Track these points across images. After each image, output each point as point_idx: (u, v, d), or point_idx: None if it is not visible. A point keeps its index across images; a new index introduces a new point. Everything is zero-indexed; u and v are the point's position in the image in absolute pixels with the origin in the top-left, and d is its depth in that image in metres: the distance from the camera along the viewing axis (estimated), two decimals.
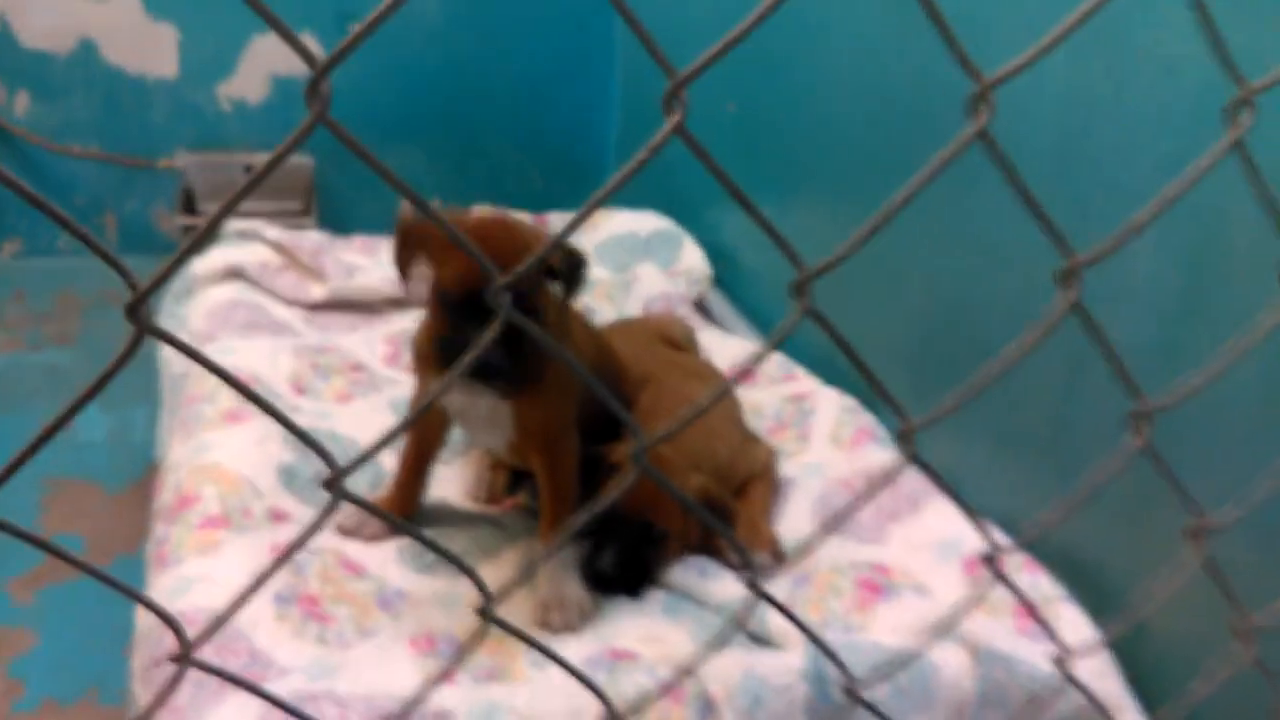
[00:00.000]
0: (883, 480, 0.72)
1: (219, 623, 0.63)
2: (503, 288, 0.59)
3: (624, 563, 1.69)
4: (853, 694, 0.77)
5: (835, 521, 0.84)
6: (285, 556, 0.56)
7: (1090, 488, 0.82)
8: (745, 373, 0.62)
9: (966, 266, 2.00)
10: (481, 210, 1.78)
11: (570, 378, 1.66)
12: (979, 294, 1.97)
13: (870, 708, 0.79)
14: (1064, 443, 1.80)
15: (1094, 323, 0.72)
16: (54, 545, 0.56)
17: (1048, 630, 0.85)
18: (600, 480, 1.71)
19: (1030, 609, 0.82)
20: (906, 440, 0.67)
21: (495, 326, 0.60)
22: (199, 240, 0.60)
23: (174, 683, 0.59)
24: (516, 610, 1.62)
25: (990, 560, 0.75)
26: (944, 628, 0.79)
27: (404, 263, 1.61)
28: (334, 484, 0.59)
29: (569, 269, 1.60)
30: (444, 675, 0.68)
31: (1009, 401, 1.82)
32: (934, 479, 0.74)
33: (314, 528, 0.58)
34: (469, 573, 0.65)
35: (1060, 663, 0.87)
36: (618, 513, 1.68)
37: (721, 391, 0.67)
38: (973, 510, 0.75)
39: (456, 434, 1.92)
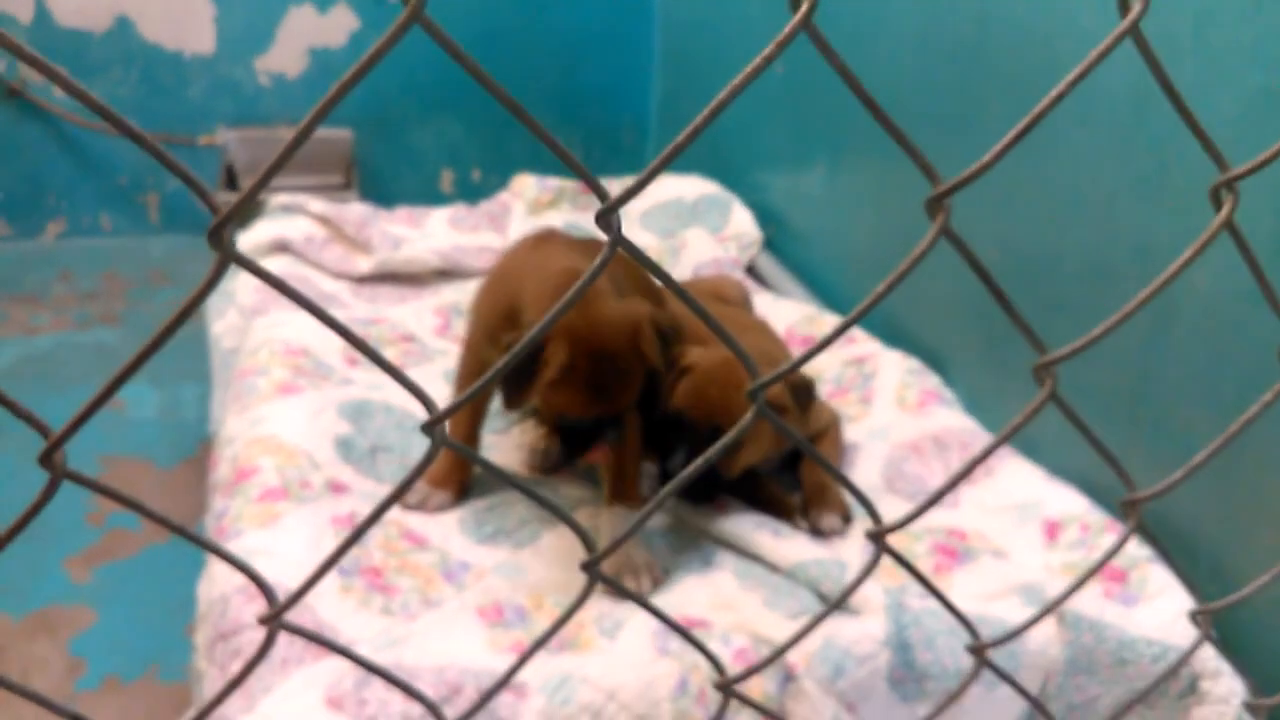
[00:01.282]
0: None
1: (307, 585, 0.58)
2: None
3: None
4: (980, 655, 0.72)
5: (936, 497, 0.77)
6: (391, 500, 0.52)
7: (1228, 438, 0.76)
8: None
9: (1039, 219, 1.92)
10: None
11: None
12: (1052, 247, 1.89)
13: (994, 669, 0.74)
14: (1147, 399, 1.72)
15: (1245, 243, 0.65)
16: (167, 517, 0.51)
17: (1187, 582, 0.78)
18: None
19: (1174, 564, 0.76)
20: (1133, 510, 0.61)
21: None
22: (276, 165, 0.54)
23: (267, 643, 0.54)
24: (579, 580, 1.57)
25: (1133, 505, 0.69)
26: (1084, 579, 0.72)
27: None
28: (434, 427, 0.54)
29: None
30: (545, 639, 0.63)
31: (1087, 356, 1.74)
32: (1160, 549, 0.68)
33: (418, 471, 0.53)
34: (574, 526, 0.60)
35: (1196, 616, 0.81)
36: (689, 418, 1.67)
37: (848, 322, 0.61)
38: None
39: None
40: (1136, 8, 0.54)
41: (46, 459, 0.49)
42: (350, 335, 0.51)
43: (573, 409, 1.54)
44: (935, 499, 0.66)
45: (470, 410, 1.76)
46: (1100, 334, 0.61)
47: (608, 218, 0.51)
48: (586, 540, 0.62)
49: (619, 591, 0.64)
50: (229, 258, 0.48)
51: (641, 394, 1.59)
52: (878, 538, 0.64)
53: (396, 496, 0.53)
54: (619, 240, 0.51)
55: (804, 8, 0.49)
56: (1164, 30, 1.64)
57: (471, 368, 1.77)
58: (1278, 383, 0.73)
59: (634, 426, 1.69)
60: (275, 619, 0.55)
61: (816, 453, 0.65)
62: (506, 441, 1.98)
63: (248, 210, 3.21)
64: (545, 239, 1.82)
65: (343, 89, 0.47)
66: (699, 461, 0.63)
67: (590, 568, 0.61)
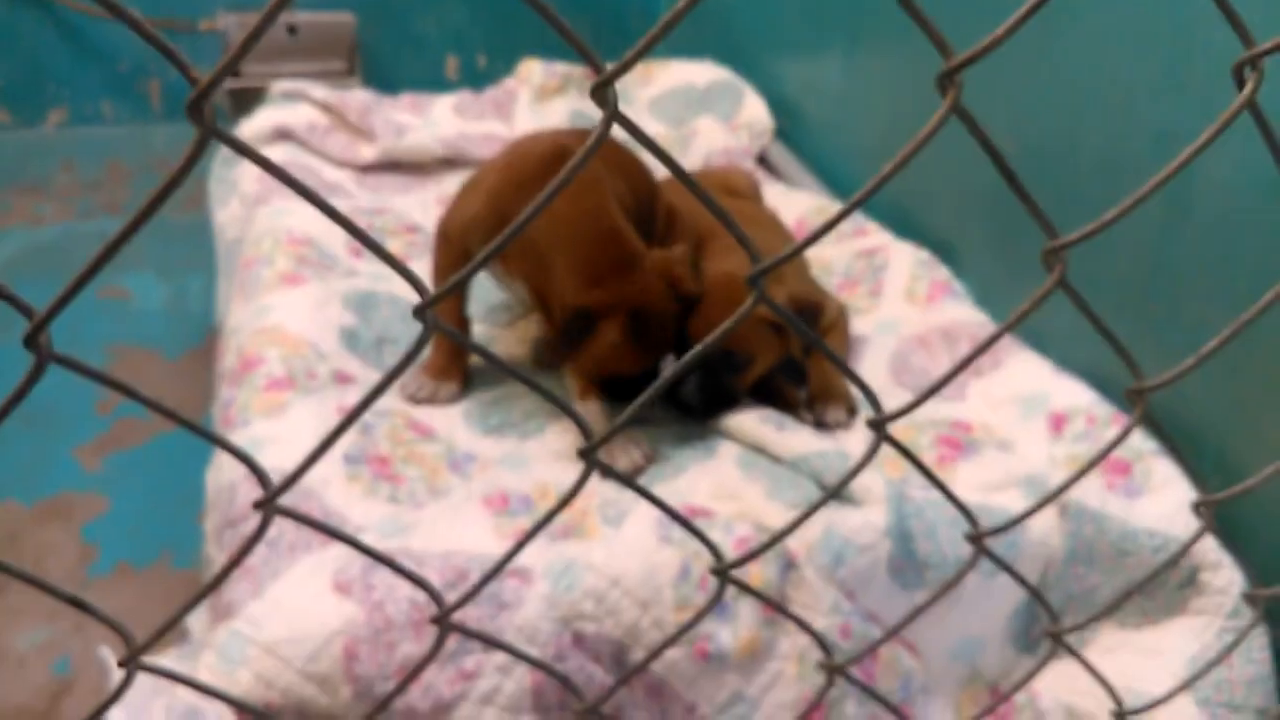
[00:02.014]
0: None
1: (302, 469, 0.58)
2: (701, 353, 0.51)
3: (705, 391, 1.68)
4: (978, 543, 0.72)
5: (938, 386, 0.76)
6: (386, 383, 0.51)
7: (1239, 327, 0.74)
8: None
9: (1055, 107, 1.87)
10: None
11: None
12: (1065, 138, 1.84)
13: (992, 557, 0.74)
14: (1159, 290, 1.69)
15: (1268, 124, 0.63)
16: (166, 407, 0.50)
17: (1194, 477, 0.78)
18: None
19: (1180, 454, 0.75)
20: (1139, 399, 0.60)
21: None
22: (254, 34, 0.52)
23: (261, 528, 0.54)
24: (574, 468, 1.58)
25: (1140, 394, 0.67)
26: (1088, 468, 0.72)
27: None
28: (425, 311, 0.52)
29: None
30: (548, 519, 0.63)
31: (1097, 246, 1.71)
32: (1165, 442, 0.67)
33: (410, 355, 0.52)
34: (572, 414, 0.59)
35: (1199, 508, 0.81)
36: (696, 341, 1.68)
37: (843, 212, 0.59)
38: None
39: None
40: None
41: (31, 340, 0.48)
42: (341, 217, 0.49)
43: (625, 369, 1.59)
44: (937, 387, 0.65)
45: (455, 297, 1.76)
46: (1114, 218, 0.59)
47: (603, 92, 0.49)
48: (584, 428, 0.61)
49: (616, 477, 0.63)
50: (209, 132, 0.46)
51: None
52: (878, 426, 0.63)
53: (391, 379, 0.52)
54: (615, 116, 0.49)
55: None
56: None
57: (449, 256, 1.75)
58: None
59: None
60: (269, 503, 0.55)
61: (820, 341, 0.64)
62: (510, 335, 1.97)
63: (249, 97, 3.16)
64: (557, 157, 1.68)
65: None
66: (697, 352, 0.62)
67: (587, 454, 0.61)
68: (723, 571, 0.66)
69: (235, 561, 0.55)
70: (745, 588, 0.72)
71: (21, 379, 0.49)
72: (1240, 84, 0.59)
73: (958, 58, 0.52)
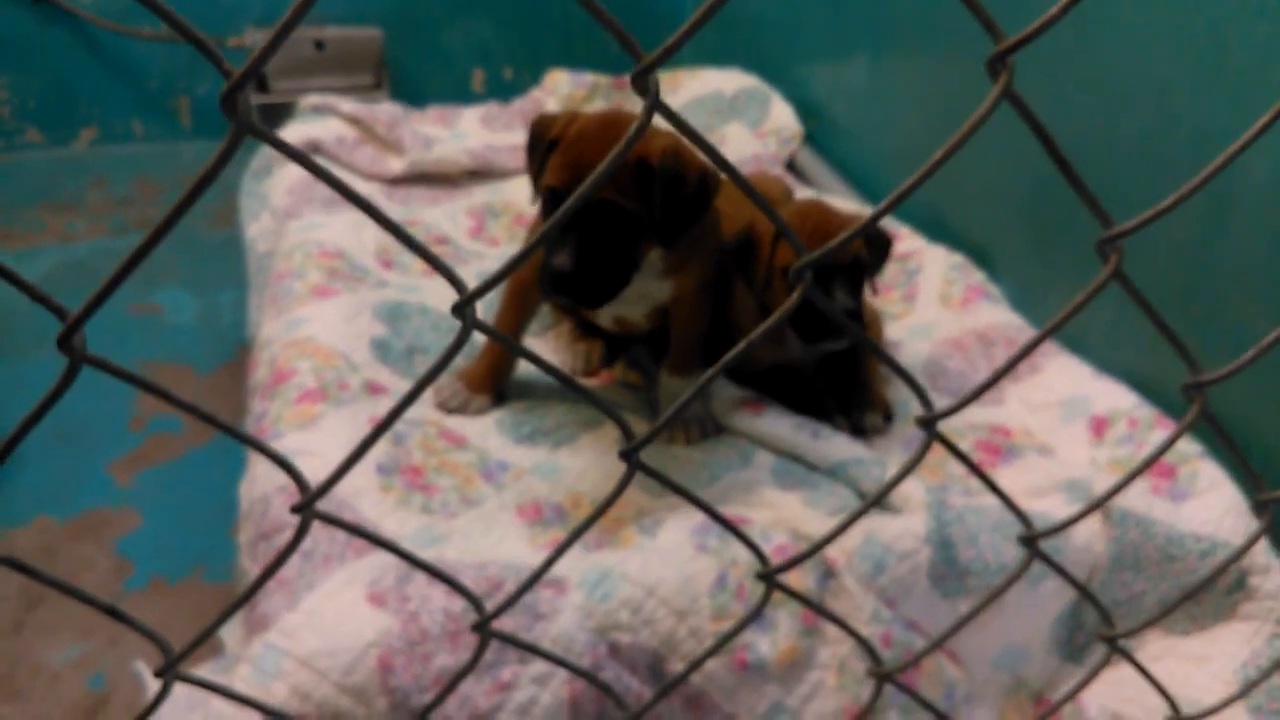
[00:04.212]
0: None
1: (340, 472, 0.57)
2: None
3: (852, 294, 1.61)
4: (1033, 545, 0.69)
5: (987, 385, 0.74)
6: (421, 386, 0.49)
7: None
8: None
9: (1092, 105, 1.84)
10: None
11: (716, 240, 1.67)
12: (1105, 134, 1.81)
13: (1045, 559, 0.71)
14: (1201, 292, 1.66)
15: None
16: (203, 411, 0.49)
17: (1253, 475, 0.75)
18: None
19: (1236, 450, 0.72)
20: (1199, 394, 0.58)
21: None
22: (280, 33, 0.51)
23: (300, 532, 0.53)
24: (615, 478, 1.57)
25: (1199, 388, 0.65)
26: (1141, 468, 0.70)
27: (535, 169, 1.52)
28: (463, 309, 0.51)
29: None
30: (586, 526, 0.61)
31: (1138, 248, 1.69)
32: (1223, 437, 0.65)
33: (450, 353, 0.51)
34: (614, 415, 0.58)
35: (1260, 507, 0.78)
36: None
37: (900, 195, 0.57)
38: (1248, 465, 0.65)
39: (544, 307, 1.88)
40: None
41: (65, 342, 0.47)
42: (379, 214, 0.48)
43: (556, 178, 1.47)
44: (986, 386, 0.63)
45: (513, 315, 1.74)
46: (1169, 206, 0.57)
47: (643, 80, 0.47)
48: (625, 429, 0.60)
49: (658, 479, 0.62)
50: (244, 127, 0.45)
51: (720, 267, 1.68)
52: (929, 424, 0.61)
53: (424, 384, 0.51)
54: (656, 104, 0.48)
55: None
56: None
57: (516, 281, 1.73)
58: None
59: (705, 308, 1.71)
60: (308, 507, 0.54)
61: (866, 337, 0.62)
62: (542, 346, 1.96)
63: (279, 112, 3.18)
64: None
65: None
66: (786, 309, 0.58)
67: (630, 455, 0.59)
68: (769, 576, 0.64)
69: (273, 569, 0.54)
70: (792, 593, 0.70)
71: (56, 381, 0.48)
72: None
73: (1008, 40, 0.50)
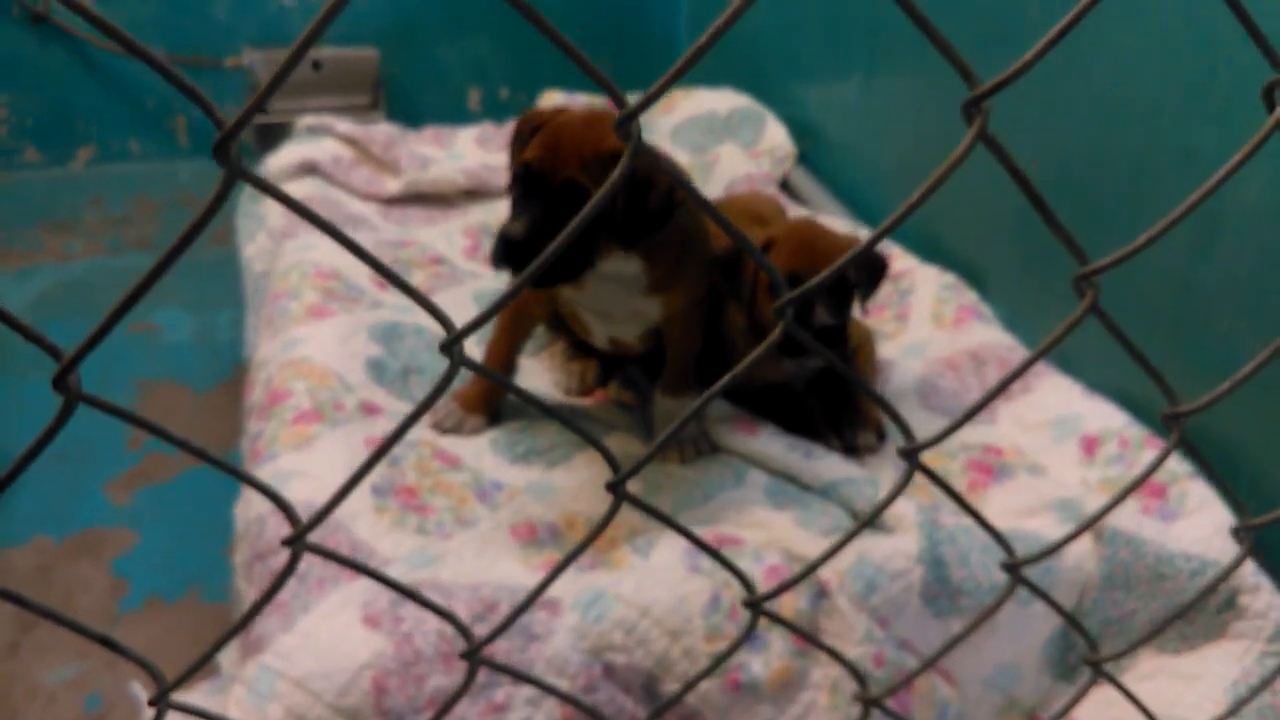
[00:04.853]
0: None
1: (330, 506, 0.58)
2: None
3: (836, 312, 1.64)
4: (1015, 572, 0.70)
5: (970, 414, 0.75)
6: (412, 420, 0.51)
7: (1274, 351, 0.73)
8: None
9: (1082, 125, 1.86)
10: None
11: (704, 258, 1.67)
12: (1095, 154, 1.83)
13: (1030, 585, 0.72)
14: (1191, 313, 1.68)
15: None
16: (200, 448, 0.50)
17: (1232, 498, 0.76)
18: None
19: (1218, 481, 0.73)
20: (1175, 424, 0.59)
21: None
22: (279, 77, 0.52)
23: (291, 565, 0.54)
24: (601, 498, 1.58)
25: (1176, 419, 0.66)
26: (1124, 494, 0.71)
27: (514, 155, 1.54)
28: (451, 347, 0.52)
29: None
30: (576, 553, 0.62)
31: (1128, 268, 1.70)
32: (1202, 466, 0.66)
33: (436, 392, 0.52)
34: (600, 448, 0.59)
35: (1239, 533, 0.79)
36: (804, 278, 1.65)
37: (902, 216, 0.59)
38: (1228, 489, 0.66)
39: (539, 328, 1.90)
40: None
41: (60, 382, 0.48)
42: (366, 254, 0.49)
43: (518, 162, 1.48)
44: (969, 416, 0.64)
45: (508, 337, 1.75)
46: (1144, 244, 0.58)
47: (626, 126, 0.48)
48: (611, 461, 0.61)
49: (645, 510, 0.63)
50: (236, 173, 0.46)
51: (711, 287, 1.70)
52: (910, 455, 0.62)
53: (415, 418, 0.52)
54: (639, 150, 0.49)
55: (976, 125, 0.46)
56: None
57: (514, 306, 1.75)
58: None
59: (699, 327, 1.72)
60: (298, 540, 0.55)
61: (848, 370, 0.63)
62: (537, 365, 1.97)
63: (275, 132, 3.20)
64: None
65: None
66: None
67: (615, 487, 0.60)
68: (755, 604, 0.65)
69: (265, 598, 0.55)
70: (778, 619, 0.71)
71: (51, 420, 0.49)
72: (1270, 106, 0.59)
73: (983, 86, 0.52)
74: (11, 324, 0.47)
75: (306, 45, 0.46)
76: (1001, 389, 0.63)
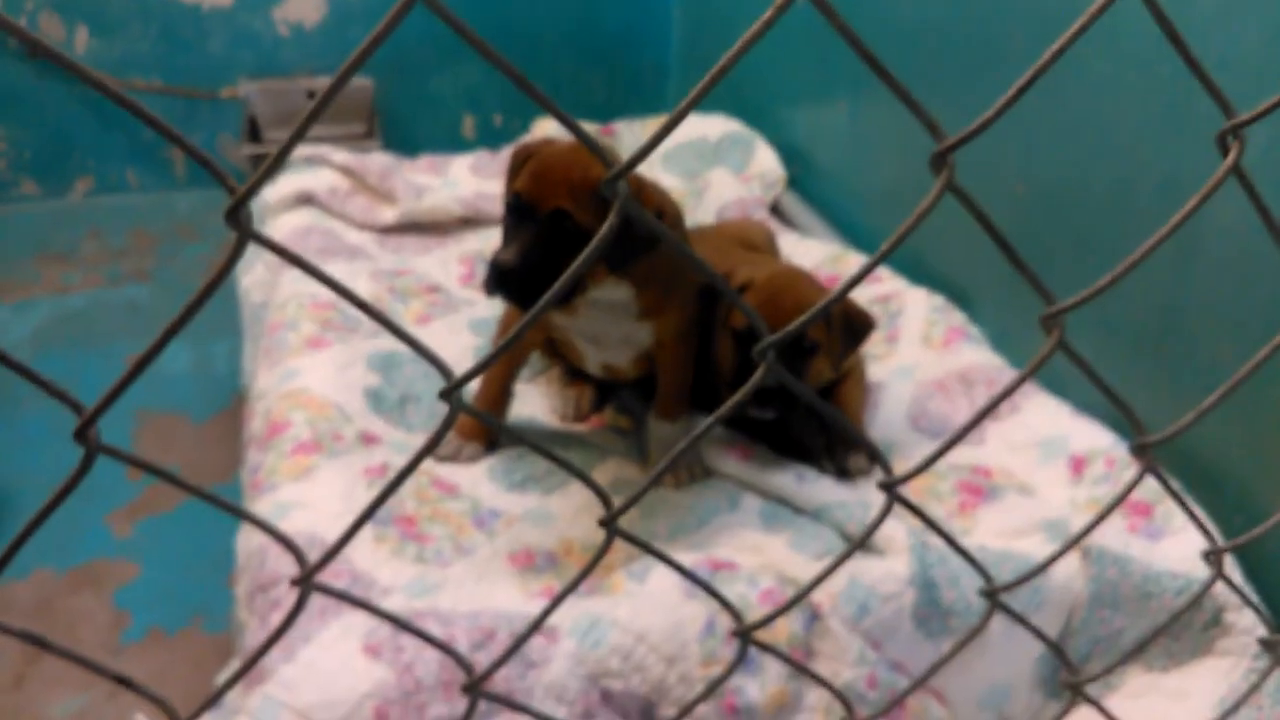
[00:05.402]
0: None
1: (335, 549, 0.60)
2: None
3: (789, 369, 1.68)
4: (993, 597, 0.73)
5: (952, 442, 0.77)
6: (412, 466, 0.53)
7: (1239, 380, 0.76)
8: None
9: (1065, 151, 1.89)
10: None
11: (693, 284, 1.72)
12: (1078, 179, 1.87)
13: (1008, 610, 0.75)
14: (1174, 333, 1.71)
15: (1253, 189, 0.65)
16: (204, 491, 0.53)
17: (1201, 526, 0.79)
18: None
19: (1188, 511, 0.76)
20: (1144, 454, 0.62)
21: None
22: (296, 136, 0.55)
23: (299, 604, 0.57)
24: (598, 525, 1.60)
25: (1144, 449, 0.69)
26: (1097, 520, 0.73)
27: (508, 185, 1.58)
28: (450, 394, 0.55)
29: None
30: (570, 589, 0.65)
31: (1114, 291, 1.73)
32: (1168, 489, 0.70)
33: (438, 436, 0.54)
34: (592, 485, 0.61)
35: (1210, 557, 0.82)
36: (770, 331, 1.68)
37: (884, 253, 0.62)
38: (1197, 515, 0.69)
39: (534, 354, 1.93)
40: None
41: (81, 435, 0.51)
42: (363, 304, 0.52)
43: (510, 190, 1.54)
44: (951, 444, 0.67)
45: (504, 365, 1.78)
46: (1108, 283, 0.61)
47: (613, 185, 0.51)
48: (604, 497, 0.64)
49: (638, 545, 0.66)
50: (247, 236, 0.49)
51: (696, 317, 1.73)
52: (889, 488, 0.65)
53: (414, 466, 0.54)
54: (627, 208, 0.52)
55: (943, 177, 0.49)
56: None
57: (509, 318, 1.80)
58: None
59: (691, 352, 1.75)
60: (307, 580, 0.58)
61: (827, 408, 0.66)
62: (534, 390, 2.00)
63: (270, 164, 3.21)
64: None
65: (355, 62, 0.48)
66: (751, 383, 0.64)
67: (608, 524, 0.63)
68: (744, 633, 0.68)
69: (274, 638, 0.57)
70: (768, 648, 0.74)
71: (72, 472, 0.51)
72: (1224, 151, 0.62)
73: (949, 140, 0.55)
74: (33, 379, 0.49)
75: (348, 75, 0.49)
76: (981, 418, 0.66)
